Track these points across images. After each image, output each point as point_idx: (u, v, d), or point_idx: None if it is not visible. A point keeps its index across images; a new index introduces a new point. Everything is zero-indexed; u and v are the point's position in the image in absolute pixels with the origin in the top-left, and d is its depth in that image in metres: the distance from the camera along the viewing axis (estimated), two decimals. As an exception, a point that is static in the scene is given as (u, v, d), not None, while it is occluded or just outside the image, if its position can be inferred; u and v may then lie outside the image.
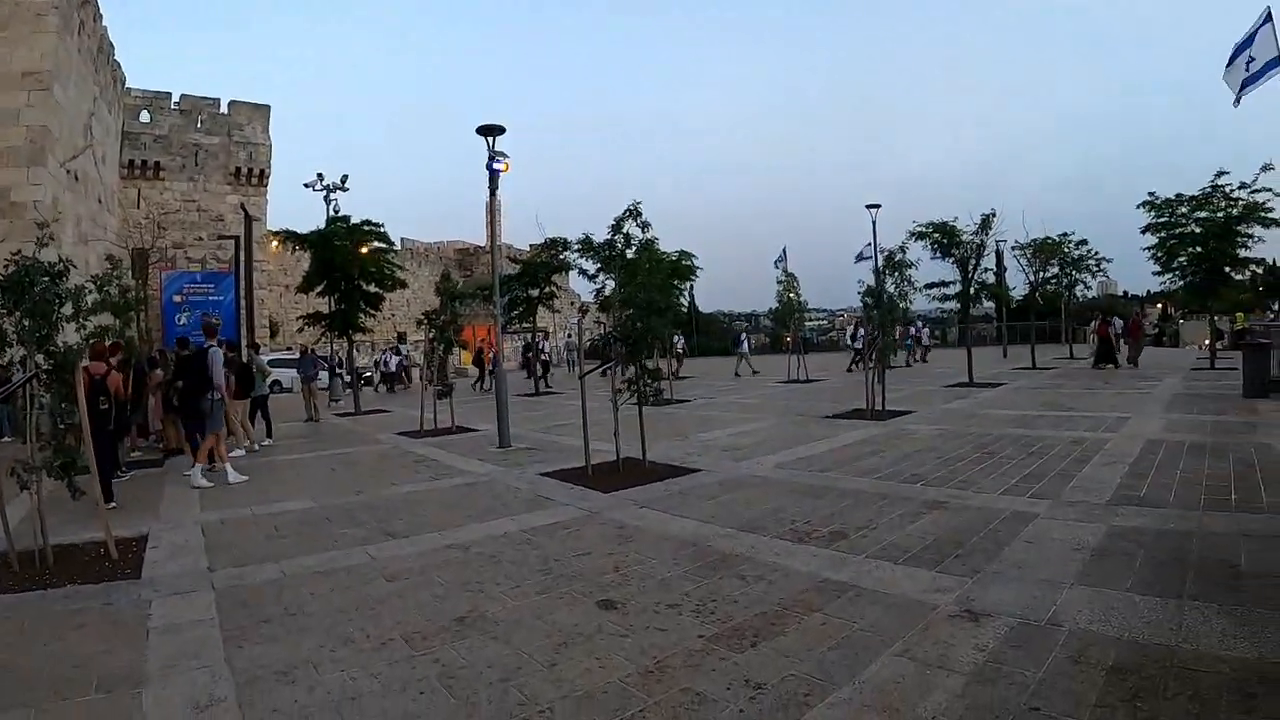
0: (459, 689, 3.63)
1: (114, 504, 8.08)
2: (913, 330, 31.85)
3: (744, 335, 31.36)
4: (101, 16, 23.33)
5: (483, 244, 73.17)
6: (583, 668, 3.80)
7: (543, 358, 28.43)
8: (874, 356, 14.11)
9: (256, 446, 13.04)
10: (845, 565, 5.17)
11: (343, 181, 23.46)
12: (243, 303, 29.15)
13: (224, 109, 37.06)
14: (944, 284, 20.62)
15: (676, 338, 29.54)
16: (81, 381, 6.67)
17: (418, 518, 7.43)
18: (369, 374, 30.66)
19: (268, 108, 38.62)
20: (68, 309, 6.52)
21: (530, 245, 30.13)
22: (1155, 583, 4.51)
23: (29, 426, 6.42)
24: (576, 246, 12.37)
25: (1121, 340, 24.77)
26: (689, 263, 25.07)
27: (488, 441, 12.42)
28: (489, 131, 12.84)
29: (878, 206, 24.69)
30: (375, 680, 3.79)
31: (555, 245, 22.41)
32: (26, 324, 6.19)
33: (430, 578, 5.42)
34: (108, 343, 9.98)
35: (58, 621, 4.95)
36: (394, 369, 29.47)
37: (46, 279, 6.25)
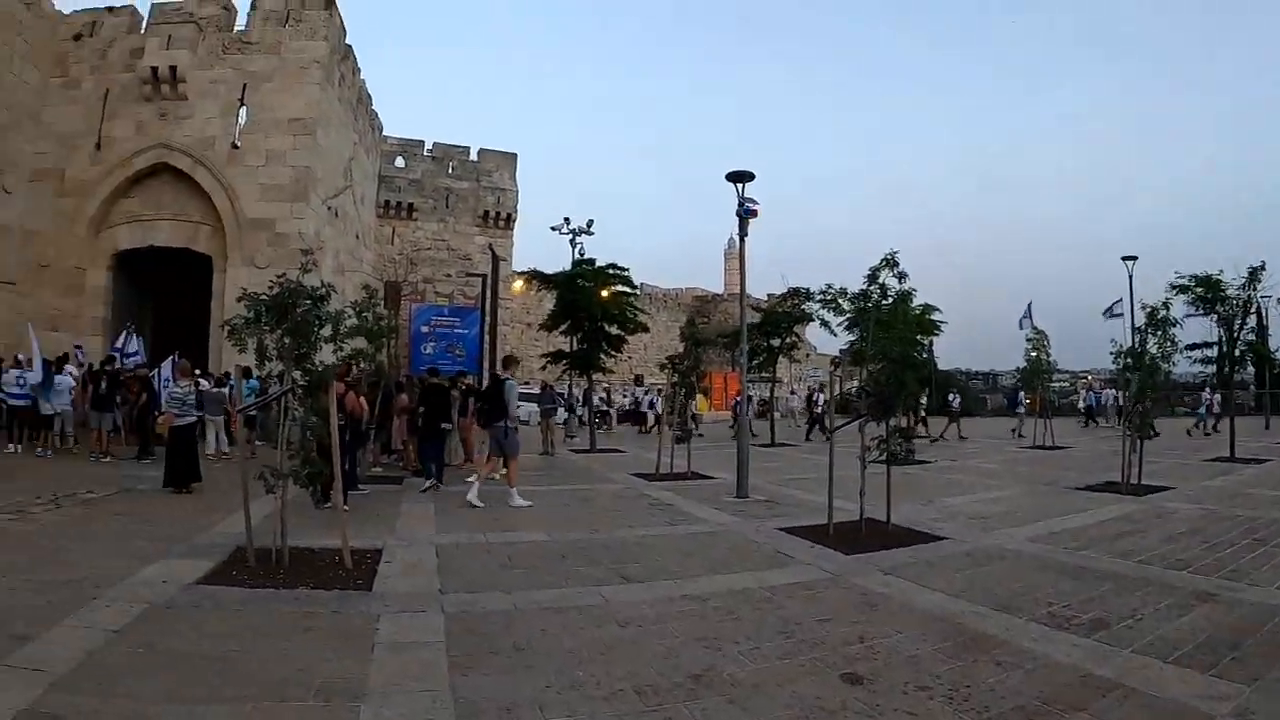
0: (689, 754, 3.38)
1: (346, 508, 8.33)
2: (1204, 397, 28.35)
3: (1022, 395, 29.21)
4: (359, 71, 26.62)
5: (719, 292, 74.50)
6: (826, 748, 3.45)
7: (816, 410, 27.76)
8: (1132, 423, 12.47)
9: (496, 475, 13.46)
10: (1109, 659, 4.65)
11: (588, 226, 24.48)
12: (486, 337, 30.92)
13: (473, 156, 39.96)
14: (1206, 345, 18.58)
15: (952, 396, 28.66)
16: (335, 399, 7.16)
17: (653, 563, 7.30)
18: (604, 410, 31.29)
19: (514, 156, 41.30)
20: (327, 330, 7.03)
21: (768, 294, 30.09)
22: None
23: (281, 436, 6.86)
24: (819, 297, 12.01)
25: None
26: (932, 317, 24.19)
27: (724, 490, 12.20)
28: (739, 178, 12.86)
29: (1134, 259, 22.26)
30: (602, 732, 3.59)
31: (798, 295, 22.19)
32: (287, 342, 6.70)
33: (665, 628, 5.21)
34: (354, 365, 10.82)
35: (286, 622, 5.15)
36: (659, 410, 29.53)
37: (309, 302, 6.75)
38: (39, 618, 4.96)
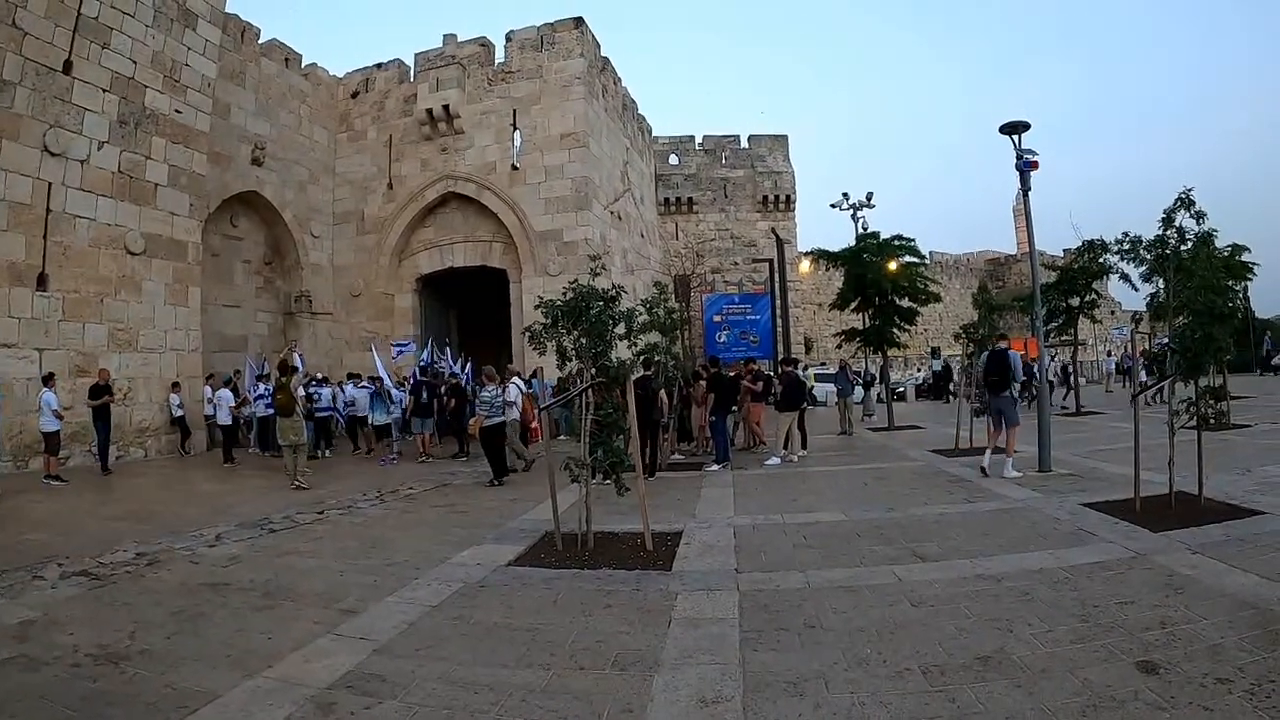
0: (970, 736, 3.38)
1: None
2: None
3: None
4: (620, 80, 28.23)
5: (1013, 252, 69.79)
6: (1109, 738, 3.31)
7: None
8: None
9: (794, 457, 13.61)
10: None
11: (868, 199, 24.40)
12: (778, 321, 31.15)
13: (744, 143, 40.52)
14: None
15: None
16: (632, 393, 7.70)
17: (949, 541, 7.14)
18: (901, 389, 30.51)
19: (785, 137, 41.23)
20: (620, 329, 7.56)
21: (1064, 250, 27.70)
22: None
23: (583, 429, 7.41)
24: (1116, 249, 10.87)
25: None
26: (1242, 259, 20.89)
27: (1026, 464, 11.51)
28: (1013, 130, 12.34)
29: None
30: (884, 709, 3.68)
31: (1093, 248, 20.24)
32: (584, 342, 7.30)
33: (957, 608, 5.15)
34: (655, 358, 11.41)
35: (588, 599, 5.64)
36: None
37: (601, 303, 7.28)
38: (366, 595, 5.86)
